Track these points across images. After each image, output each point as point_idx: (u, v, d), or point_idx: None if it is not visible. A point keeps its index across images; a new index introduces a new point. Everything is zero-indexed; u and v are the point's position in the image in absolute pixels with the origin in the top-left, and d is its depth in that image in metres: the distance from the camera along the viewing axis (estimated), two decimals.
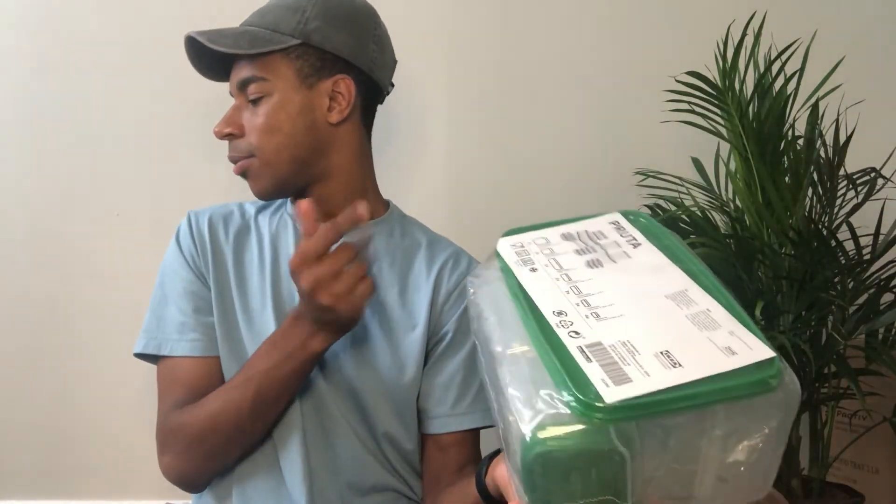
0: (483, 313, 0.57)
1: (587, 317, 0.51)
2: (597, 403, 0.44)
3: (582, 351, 0.48)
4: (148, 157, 1.28)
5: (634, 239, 0.61)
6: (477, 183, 1.34)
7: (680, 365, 0.46)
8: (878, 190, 1.02)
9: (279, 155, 0.90)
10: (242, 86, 0.91)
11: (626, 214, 0.66)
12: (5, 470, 1.26)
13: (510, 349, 0.52)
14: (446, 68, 1.27)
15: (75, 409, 1.26)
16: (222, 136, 0.92)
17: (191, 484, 0.89)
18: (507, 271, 0.59)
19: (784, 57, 1.07)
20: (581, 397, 0.45)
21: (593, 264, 0.58)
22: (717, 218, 1.11)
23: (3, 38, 1.28)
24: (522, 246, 0.62)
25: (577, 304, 0.53)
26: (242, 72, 0.91)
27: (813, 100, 1.05)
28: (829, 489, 1.03)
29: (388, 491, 0.91)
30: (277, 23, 0.90)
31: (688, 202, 1.10)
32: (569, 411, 0.45)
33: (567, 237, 0.63)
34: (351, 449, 0.89)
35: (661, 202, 1.13)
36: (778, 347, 0.51)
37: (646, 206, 1.13)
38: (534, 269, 0.58)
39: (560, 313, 0.52)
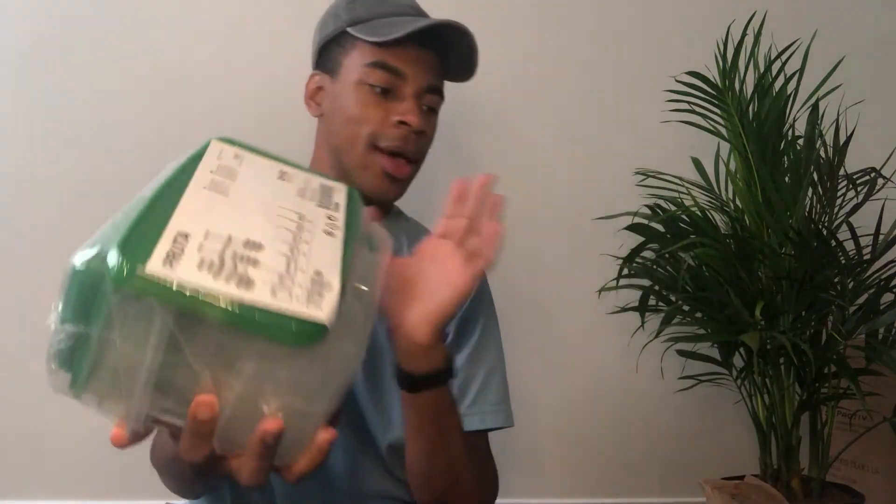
0: None
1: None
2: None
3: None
4: (144, 160, 1.28)
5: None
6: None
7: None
8: (878, 190, 1.02)
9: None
10: (433, 91, 0.91)
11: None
12: (5, 470, 1.25)
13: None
14: None
15: (75, 409, 1.25)
16: (419, 131, 0.88)
17: (178, 496, 0.88)
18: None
19: (784, 57, 1.07)
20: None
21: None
22: (717, 218, 1.11)
23: (3, 37, 1.28)
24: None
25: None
26: (440, 79, 0.93)
27: (813, 100, 1.05)
28: (829, 489, 1.03)
29: (387, 498, 0.91)
30: None
31: (688, 202, 1.10)
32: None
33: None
34: (349, 458, 0.88)
35: (661, 202, 1.13)
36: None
37: (646, 206, 1.13)
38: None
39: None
